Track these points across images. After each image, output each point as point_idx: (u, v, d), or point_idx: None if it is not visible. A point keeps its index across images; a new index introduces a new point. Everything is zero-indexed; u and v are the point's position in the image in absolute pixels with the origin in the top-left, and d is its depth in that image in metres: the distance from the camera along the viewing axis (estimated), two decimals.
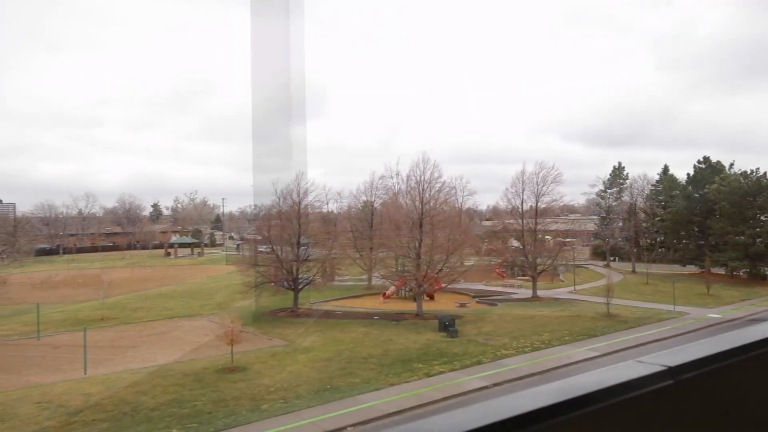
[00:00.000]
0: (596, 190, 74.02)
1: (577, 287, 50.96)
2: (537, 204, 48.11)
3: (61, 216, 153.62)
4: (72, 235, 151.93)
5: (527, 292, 49.62)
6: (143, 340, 34.78)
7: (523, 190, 48.47)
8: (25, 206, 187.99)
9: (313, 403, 21.19)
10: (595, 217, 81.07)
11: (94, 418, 19.96)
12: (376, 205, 60.09)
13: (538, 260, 48.10)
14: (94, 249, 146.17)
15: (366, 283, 57.21)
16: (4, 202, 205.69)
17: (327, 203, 61.12)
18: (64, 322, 41.93)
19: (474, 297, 48.95)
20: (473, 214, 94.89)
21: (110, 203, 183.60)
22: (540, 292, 47.76)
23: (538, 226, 48.19)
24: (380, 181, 59.80)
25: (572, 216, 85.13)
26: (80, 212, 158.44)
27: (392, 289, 48.21)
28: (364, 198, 62.01)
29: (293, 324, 38.15)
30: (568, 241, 54.75)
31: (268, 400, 21.56)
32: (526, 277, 53.67)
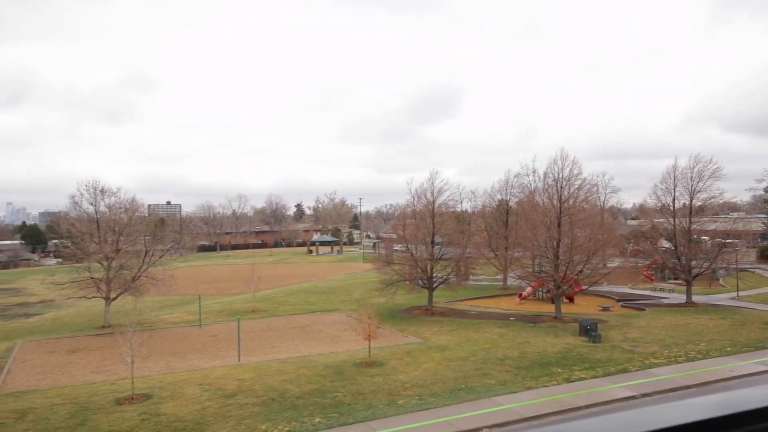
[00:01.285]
0: (764, 185, 66.11)
1: (741, 293, 45.80)
2: (691, 201, 43.87)
3: (218, 216, 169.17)
4: (227, 233, 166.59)
5: (680, 297, 45.62)
6: (288, 332, 37.15)
7: (675, 187, 44.42)
8: (189, 207, 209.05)
9: (447, 402, 21.23)
10: (762, 216, 72.83)
11: (246, 402, 21.70)
12: (511, 203, 58.71)
13: (693, 263, 43.90)
14: (245, 246, 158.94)
15: (501, 283, 56.23)
16: (172, 203, 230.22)
17: (461, 202, 60.86)
18: (221, 312, 46.10)
19: (618, 300, 46.05)
20: (617, 212, 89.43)
21: (259, 203, 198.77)
22: (695, 298, 43.61)
23: (693, 226, 43.85)
24: (515, 179, 58.45)
25: (734, 214, 77.08)
26: (234, 212, 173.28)
27: (529, 289, 46.86)
28: (498, 197, 60.88)
29: (428, 322, 38.53)
30: (729, 242, 49.23)
31: (404, 396, 21.98)
32: (679, 281, 49.49)
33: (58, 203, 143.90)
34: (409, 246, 43.33)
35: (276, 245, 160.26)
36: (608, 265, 47.30)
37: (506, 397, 21.77)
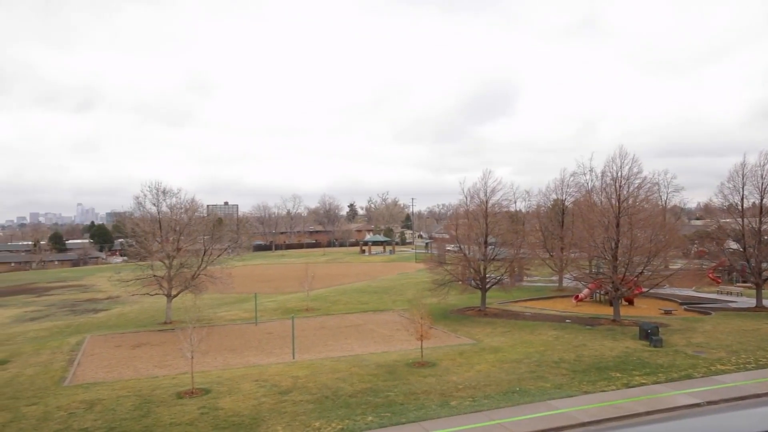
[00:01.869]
0: None
1: None
2: (761, 200, 41.60)
3: (273, 216, 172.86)
4: (282, 233, 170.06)
5: (749, 301, 43.35)
6: (341, 331, 37.54)
7: (744, 185, 42.22)
8: (245, 207, 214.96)
9: (501, 404, 20.93)
10: None
11: (301, 399, 22.06)
12: (567, 203, 57.33)
13: (764, 265, 41.60)
14: (299, 246, 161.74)
15: (556, 284, 55.02)
16: (229, 203, 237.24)
17: (515, 202, 59.79)
18: (276, 310, 47.07)
19: (682, 304, 44.19)
20: (680, 212, 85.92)
21: (313, 204, 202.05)
22: (766, 302, 41.34)
23: (764, 226, 41.56)
24: (571, 179, 57.04)
25: None
26: (288, 212, 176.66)
27: (586, 291, 45.62)
28: (554, 196, 59.53)
29: (480, 323, 38.11)
30: None
31: (457, 397, 21.81)
32: (748, 284, 47.06)
33: (124, 204, 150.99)
34: (462, 246, 42.96)
35: (329, 245, 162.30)
36: (670, 266, 45.45)
37: (562, 401, 21.26)
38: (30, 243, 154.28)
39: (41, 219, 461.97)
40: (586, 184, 55.11)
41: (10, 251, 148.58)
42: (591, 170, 54.28)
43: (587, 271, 43.95)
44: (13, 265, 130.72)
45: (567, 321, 37.65)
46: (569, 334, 33.41)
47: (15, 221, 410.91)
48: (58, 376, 27.28)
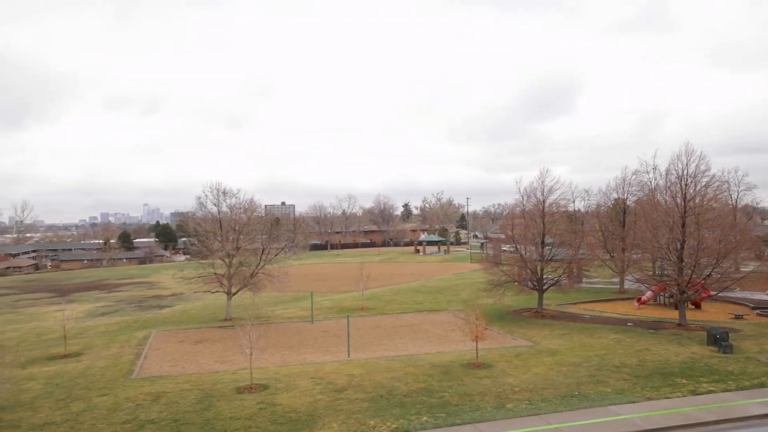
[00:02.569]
0: None
1: None
2: None
3: (328, 216, 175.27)
4: (337, 232, 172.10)
5: None
6: (396, 331, 37.61)
7: None
8: (302, 207, 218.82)
9: (559, 408, 20.43)
10: None
11: (356, 397, 22.25)
12: (628, 202, 55.36)
13: None
14: (354, 245, 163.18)
15: (617, 286, 53.27)
16: (286, 204, 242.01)
17: (573, 201, 58.17)
18: (332, 309, 47.65)
19: (754, 308, 41.86)
20: (752, 211, 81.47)
21: (368, 204, 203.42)
22: None
23: None
24: (633, 177, 55.01)
25: None
26: (344, 212, 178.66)
27: (649, 294, 43.94)
28: (614, 195, 57.59)
29: (537, 325, 37.34)
30: None
31: (513, 400, 21.45)
32: None
33: (187, 204, 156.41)
34: (518, 246, 42.20)
35: (384, 244, 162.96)
36: (741, 269, 43.16)
37: (623, 406, 20.54)
38: (101, 242, 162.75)
39: (111, 219, 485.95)
40: (649, 183, 53.14)
41: (83, 249, 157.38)
42: (654, 168, 52.27)
43: (650, 273, 42.32)
44: (85, 262, 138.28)
45: (629, 324, 36.38)
46: (631, 338, 32.26)
47: (87, 221, 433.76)
48: (127, 369, 28.59)
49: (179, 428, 19.33)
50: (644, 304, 43.79)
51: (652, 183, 52.12)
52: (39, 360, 32.12)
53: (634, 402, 21.06)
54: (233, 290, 43.77)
